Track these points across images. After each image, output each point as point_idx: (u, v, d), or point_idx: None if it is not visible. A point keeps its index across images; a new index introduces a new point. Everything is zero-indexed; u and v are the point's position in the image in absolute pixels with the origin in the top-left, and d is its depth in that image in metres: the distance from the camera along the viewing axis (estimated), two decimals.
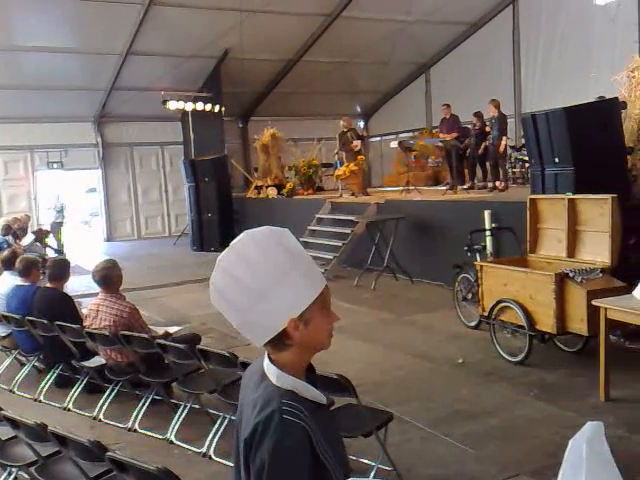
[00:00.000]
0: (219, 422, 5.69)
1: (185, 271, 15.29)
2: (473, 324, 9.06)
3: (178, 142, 23.07)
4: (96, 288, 7.02)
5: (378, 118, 25.80)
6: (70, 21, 16.87)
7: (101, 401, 6.59)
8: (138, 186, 23.39)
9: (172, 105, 19.34)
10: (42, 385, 7.26)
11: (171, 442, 5.85)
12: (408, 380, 7.34)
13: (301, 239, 13.02)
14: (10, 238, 15.20)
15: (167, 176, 23.70)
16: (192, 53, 18.64)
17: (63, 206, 19.69)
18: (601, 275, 7.04)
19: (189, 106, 19.70)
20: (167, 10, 16.92)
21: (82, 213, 27.91)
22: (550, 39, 18.25)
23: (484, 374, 7.32)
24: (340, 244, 13.70)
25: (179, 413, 6.05)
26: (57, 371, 7.38)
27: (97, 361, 6.91)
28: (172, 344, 6.09)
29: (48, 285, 7.63)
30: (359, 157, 16.15)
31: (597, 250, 7.33)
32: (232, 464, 5.24)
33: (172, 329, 7.64)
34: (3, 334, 8.13)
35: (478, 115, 14.83)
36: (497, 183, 14.24)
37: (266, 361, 1.93)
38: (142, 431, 6.14)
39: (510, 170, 16.25)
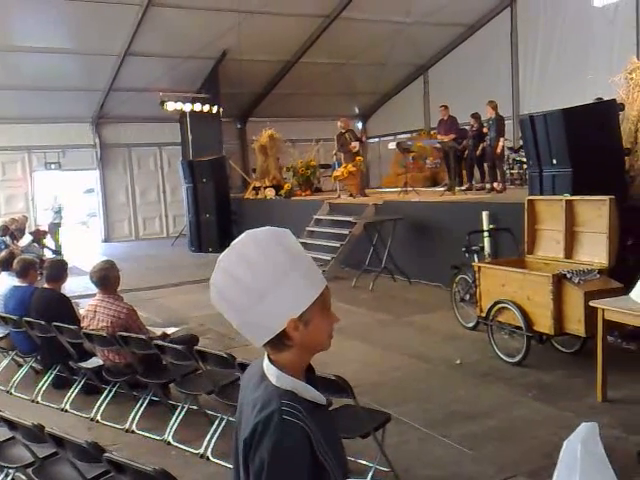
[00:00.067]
0: (217, 423, 5.69)
1: (183, 272, 15.28)
2: (471, 325, 9.06)
3: (176, 143, 23.05)
4: (94, 289, 7.01)
5: (376, 119, 25.81)
6: (68, 22, 16.85)
7: (98, 402, 6.59)
8: (136, 187, 23.38)
9: (170, 106, 19.33)
10: (39, 386, 7.26)
11: (169, 443, 5.84)
12: (406, 381, 7.34)
13: (299, 240, 12.98)
14: (7, 239, 15.20)
15: (165, 177, 23.68)
16: (190, 54, 18.63)
17: (61, 207, 19.68)
18: (598, 276, 7.04)
19: (187, 107, 19.70)
20: (165, 11, 16.91)
21: (80, 214, 27.93)
22: (548, 41, 18.27)
23: (482, 375, 7.33)
24: (338, 245, 13.70)
25: (177, 414, 6.05)
26: (54, 372, 7.37)
27: (94, 362, 6.90)
28: (170, 345, 6.08)
29: (46, 286, 7.63)
30: (357, 158, 16.16)
31: (595, 251, 7.34)
32: (230, 465, 5.23)
33: (170, 330, 7.64)
34: (0, 335, 8.12)
35: (476, 116, 14.86)
36: (495, 184, 14.27)
37: (266, 361, 1.93)
38: (140, 432, 6.13)
39: (508, 171, 16.27)
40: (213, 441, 5.55)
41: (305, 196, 18.13)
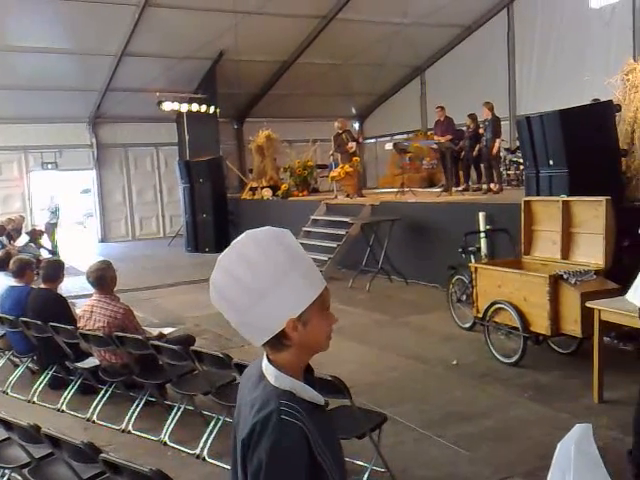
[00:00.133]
0: (213, 423, 5.69)
1: (179, 272, 15.27)
2: (467, 325, 9.06)
3: (173, 143, 23.01)
4: (90, 289, 7.01)
5: (373, 120, 25.82)
6: (64, 22, 16.83)
7: (95, 402, 6.58)
8: (133, 187, 23.39)
9: (167, 106, 19.33)
10: (36, 386, 7.25)
11: (165, 443, 5.84)
12: (402, 381, 7.34)
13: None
14: (4, 239, 15.20)
15: (162, 177, 23.69)
16: (187, 54, 18.62)
17: (57, 207, 19.66)
18: (595, 277, 7.05)
19: (184, 107, 19.70)
20: (162, 11, 16.90)
21: (76, 214, 27.92)
22: (545, 42, 18.29)
23: (478, 375, 7.33)
24: (335, 245, 13.69)
25: (173, 414, 6.04)
26: (51, 372, 7.37)
27: (91, 362, 6.89)
28: (166, 345, 6.08)
29: (42, 286, 7.61)
30: (354, 159, 16.16)
31: (591, 252, 7.34)
32: (226, 465, 5.22)
33: (166, 330, 7.65)
34: None
35: (472, 117, 14.88)
36: (492, 185, 14.29)
37: (265, 361, 1.93)
38: (136, 432, 6.13)
39: (505, 172, 16.28)
40: (209, 442, 5.55)
41: (302, 196, 18.11)
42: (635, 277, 4.76)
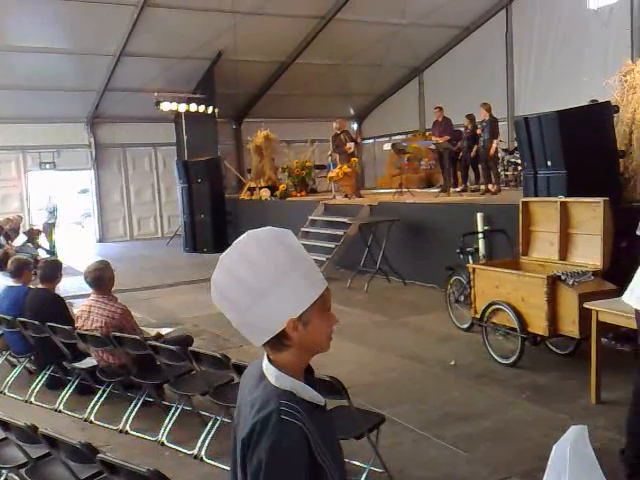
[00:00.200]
0: (210, 424, 5.69)
1: (177, 272, 15.27)
2: (465, 326, 9.06)
3: (171, 143, 23.04)
4: (88, 289, 7.00)
5: (371, 120, 25.83)
6: (63, 22, 16.81)
7: (92, 403, 6.57)
8: (131, 187, 23.38)
9: (165, 106, 19.31)
10: (33, 386, 7.24)
11: (162, 444, 5.83)
12: (400, 382, 7.34)
13: None
14: (2, 239, 15.20)
15: (160, 177, 23.69)
16: (186, 54, 18.62)
17: (55, 207, 19.65)
18: (593, 278, 7.05)
19: (182, 107, 19.67)
20: (161, 11, 16.90)
21: (74, 214, 27.90)
22: (543, 43, 18.31)
23: (476, 376, 7.33)
24: (333, 246, 13.69)
25: (170, 415, 6.04)
26: (48, 372, 7.36)
27: (89, 362, 6.89)
28: (164, 346, 6.08)
29: (40, 286, 7.61)
30: (352, 159, 16.17)
31: (589, 253, 7.34)
32: (223, 466, 5.23)
33: (164, 330, 7.65)
34: None
35: (470, 117, 14.91)
36: (490, 186, 14.30)
37: (265, 361, 1.93)
38: (133, 433, 6.12)
39: (503, 173, 16.29)
40: (207, 442, 5.55)
41: (300, 197, 18.11)
42: (632, 278, 4.77)
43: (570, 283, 6.91)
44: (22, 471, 4.19)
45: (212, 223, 18.93)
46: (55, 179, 22.91)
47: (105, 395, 6.66)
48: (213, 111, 19.73)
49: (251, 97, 23.06)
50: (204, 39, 17.80)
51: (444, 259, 10.11)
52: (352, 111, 25.63)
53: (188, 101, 19.87)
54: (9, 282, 8.03)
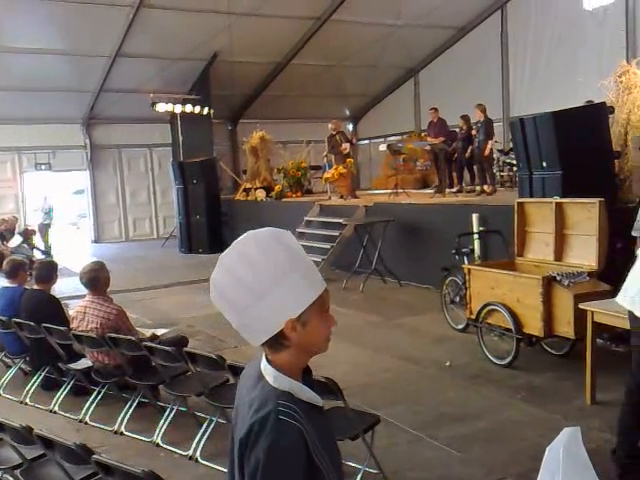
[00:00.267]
0: (206, 425, 5.68)
1: (173, 273, 15.26)
2: (461, 327, 9.07)
3: (166, 144, 23.03)
4: (83, 290, 6.99)
5: (367, 121, 25.84)
6: (58, 23, 16.79)
7: (87, 404, 6.56)
8: (126, 188, 23.37)
9: (161, 107, 19.30)
10: (28, 387, 7.22)
11: (157, 445, 5.83)
12: (395, 383, 7.34)
13: None
14: None
15: (155, 178, 23.67)
16: (181, 55, 18.62)
17: (51, 208, 19.65)
18: (588, 279, 7.06)
19: (178, 108, 19.67)
20: (156, 12, 16.89)
21: (70, 215, 27.86)
22: (538, 43, 18.33)
23: (471, 377, 7.34)
24: (328, 247, 13.69)
25: (166, 416, 6.03)
26: (43, 373, 7.34)
27: (84, 363, 6.88)
28: (159, 346, 6.07)
29: (35, 287, 7.60)
30: (348, 160, 16.17)
31: (584, 254, 7.35)
32: (218, 467, 5.22)
33: (159, 331, 7.64)
34: None
35: (465, 118, 14.93)
36: (485, 186, 14.30)
37: (263, 362, 1.93)
38: (128, 434, 6.12)
39: (498, 174, 16.31)
40: (202, 443, 5.54)
41: (296, 198, 18.13)
42: (624, 278, 4.78)
43: (565, 284, 6.92)
44: (17, 472, 4.18)
45: (207, 224, 18.91)
46: (50, 180, 22.87)
47: (100, 396, 6.65)
48: (209, 112, 19.72)
49: (246, 98, 23.06)
50: (199, 40, 17.80)
51: (439, 260, 10.11)
52: (348, 112, 25.63)
53: (183, 102, 19.85)
54: (4, 283, 8.02)
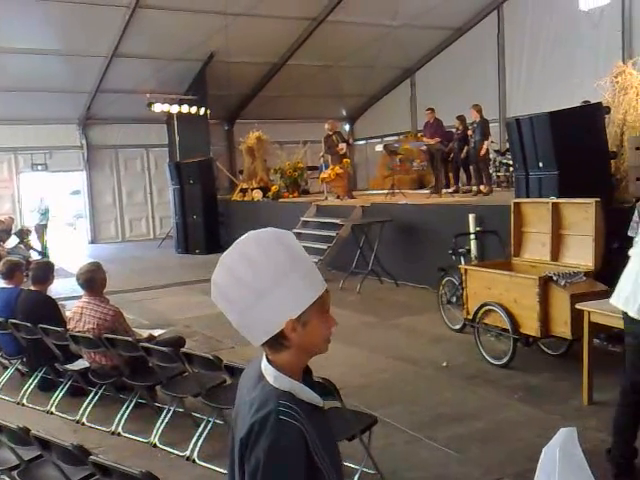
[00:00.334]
0: (203, 425, 5.68)
1: (169, 274, 15.25)
2: (457, 327, 9.07)
3: (163, 145, 23.02)
4: (80, 291, 6.98)
5: (363, 121, 25.86)
6: (55, 23, 16.78)
7: (84, 404, 6.56)
8: (123, 188, 23.37)
9: (157, 108, 19.30)
10: (25, 388, 7.21)
11: (155, 446, 5.82)
12: (392, 383, 7.35)
13: None
14: None
15: (152, 178, 23.68)
16: (178, 56, 18.62)
17: (47, 208, 19.61)
18: (584, 279, 7.07)
19: (174, 109, 19.67)
20: (152, 13, 16.87)
21: (66, 215, 27.82)
22: (535, 44, 18.36)
23: (468, 377, 7.34)
24: (325, 247, 13.67)
25: (163, 417, 6.03)
26: (40, 374, 7.33)
27: (81, 364, 6.88)
28: (156, 347, 6.06)
29: (32, 288, 7.60)
30: (344, 160, 16.17)
31: (581, 254, 7.35)
32: (216, 467, 5.21)
33: (156, 332, 7.63)
34: None
35: (461, 118, 14.95)
36: (481, 187, 14.31)
37: (264, 362, 1.93)
38: (126, 435, 6.11)
39: (494, 174, 16.33)
40: (199, 444, 5.54)
41: (292, 198, 18.11)
42: (619, 279, 4.79)
43: (562, 284, 6.93)
44: (14, 473, 4.18)
45: (204, 224, 18.90)
46: (47, 180, 22.83)
47: (97, 397, 6.64)
48: (205, 112, 19.72)
49: (243, 98, 23.06)
50: (196, 40, 17.80)
51: (436, 260, 10.12)
52: (344, 112, 25.64)
53: (180, 102, 19.85)
54: (1, 284, 8.01)
